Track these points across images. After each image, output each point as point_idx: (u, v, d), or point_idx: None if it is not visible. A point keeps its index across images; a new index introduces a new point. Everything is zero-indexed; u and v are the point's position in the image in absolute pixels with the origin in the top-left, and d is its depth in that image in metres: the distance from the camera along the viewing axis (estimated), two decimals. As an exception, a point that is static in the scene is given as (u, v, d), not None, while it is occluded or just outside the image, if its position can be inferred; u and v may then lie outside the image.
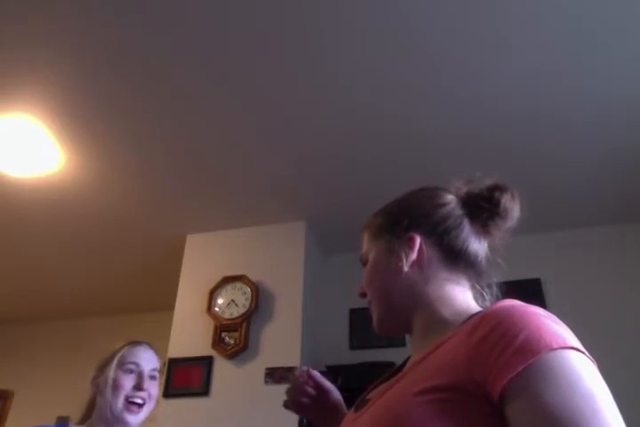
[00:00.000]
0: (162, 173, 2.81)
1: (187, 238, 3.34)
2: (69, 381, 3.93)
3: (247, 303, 2.94)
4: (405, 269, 0.75)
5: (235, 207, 3.11)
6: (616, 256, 3.02)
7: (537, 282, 3.02)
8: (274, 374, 2.73)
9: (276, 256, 3.11)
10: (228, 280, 3.05)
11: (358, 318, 3.17)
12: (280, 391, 2.77)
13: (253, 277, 3.02)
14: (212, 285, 3.05)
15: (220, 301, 3.00)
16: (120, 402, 1.28)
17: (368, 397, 0.76)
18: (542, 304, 2.93)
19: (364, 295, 0.83)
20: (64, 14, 1.94)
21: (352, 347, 3.11)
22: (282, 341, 2.84)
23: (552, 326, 0.58)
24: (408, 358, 0.80)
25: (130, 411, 1.28)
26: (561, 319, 0.63)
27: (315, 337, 3.06)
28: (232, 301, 2.97)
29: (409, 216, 0.80)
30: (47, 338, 4.44)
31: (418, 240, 0.76)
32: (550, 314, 0.62)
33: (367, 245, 0.85)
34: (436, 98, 2.30)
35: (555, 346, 0.55)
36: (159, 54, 2.11)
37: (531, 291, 2.97)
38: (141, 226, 3.26)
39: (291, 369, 2.72)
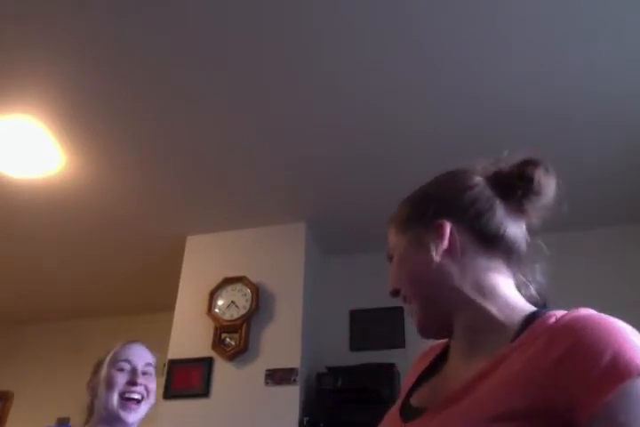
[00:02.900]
0: (162, 173, 2.80)
1: (187, 239, 3.34)
2: (70, 382, 3.91)
3: (247, 304, 2.93)
4: (437, 259, 0.68)
5: (235, 208, 3.10)
6: (616, 257, 3.01)
7: (537, 283, 3.01)
8: (274, 376, 2.72)
9: (276, 257, 3.11)
10: (228, 281, 3.04)
11: (359, 320, 3.16)
12: (280, 393, 2.78)
13: (254, 278, 3.02)
14: (213, 286, 3.04)
15: (220, 302, 3.00)
16: (115, 399, 1.25)
17: (414, 403, 0.70)
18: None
19: (395, 293, 0.75)
20: (64, 14, 1.94)
21: (352, 348, 3.10)
22: (282, 342, 2.84)
23: (638, 344, 0.52)
24: (447, 349, 0.74)
25: (126, 408, 1.26)
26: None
27: (315, 338, 3.05)
28: (232, 302, 2.97)
29: (435, 203, 0.73)
30: (47, 339, 4.44)
31: (448, 227, 0.69)
32: (631, 327, 0.56)
33: (394, 240, 0.76)
34: (436, 98, 2.30)
35: None
36: (159, 54, 2.11)
37: (531, 292, 2.96)
38: (142, 226, 3.26)
39: (291, 370, 2.72)
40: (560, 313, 0.60)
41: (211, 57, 2.11)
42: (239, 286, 3.01)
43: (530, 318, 0.62)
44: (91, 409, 1.32)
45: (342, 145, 2.58)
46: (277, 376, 2.72)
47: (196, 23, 1.98)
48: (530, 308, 0.66)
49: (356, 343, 3.10)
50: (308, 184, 2.88)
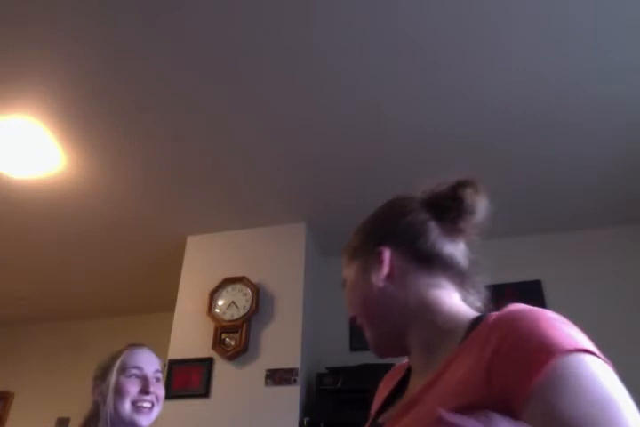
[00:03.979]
0: (162, 173, 2.80)
1: (187, 240, 3.34)
2: (70, 382, 3.93)
3: (247, 305, 2.93)
4: (380, 284, 0.74)
5: (235, 208, 3.10)
6: (616, 257, 3.01)
7: (537, 284, 3.01)
8: (274, 376, 2.72)
9: (276, 257, 3.11)
10: (228, 281, 3.04)
11: (359, 319, 3.16)
12: (280, 393, 2.77)
13: (254, 278, 3.02)
14: (213, 286, 3.04)
15: (220, 302, 3.00)
16: (127, 406, 1.26)
17: (380, 420, 0.74)
18: (542, 306, 2.91)
19: (354, 320, 0.80)
20: (64, 15, 1.94)
21: (352, 348, 3.10)
22: (282, 342, 2.84)
23: (564, 329, 0.56)
24: (408, 371, 0.78)
25: (140, 413, 1.28)
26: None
27: (315, 339, 3.06)
28: (232, 302, 2.97)
29: (377, 232, 0.79)
30: (48, 339, 4.44)
31: (387, 253, 0.75)
32: (561, 316, 0.60)
33: (346, 269, 0.83)
34: (436, 98, 2.30)
35: (568, 348, 0.53)
36: (159, 54, 2.10)
37: (531, 293, 2.96)
38: (142, 227, 3.26)
39: (291, 371, 2.72)
40: (498, 312, 0.64)
41: (211, 57, 2.11)
42: (239, 286, 3.01)
43: (474, 322, 0.66)
44: (94, 415, 1.31)
45: (342, 145, 2.58)
46: (277, 377, 2.72)
47: (196, 23, 1.98)
48: (474, 314, 0.70)
49: (356, 344, 3.10)
50: (308, 184, 2.87)
